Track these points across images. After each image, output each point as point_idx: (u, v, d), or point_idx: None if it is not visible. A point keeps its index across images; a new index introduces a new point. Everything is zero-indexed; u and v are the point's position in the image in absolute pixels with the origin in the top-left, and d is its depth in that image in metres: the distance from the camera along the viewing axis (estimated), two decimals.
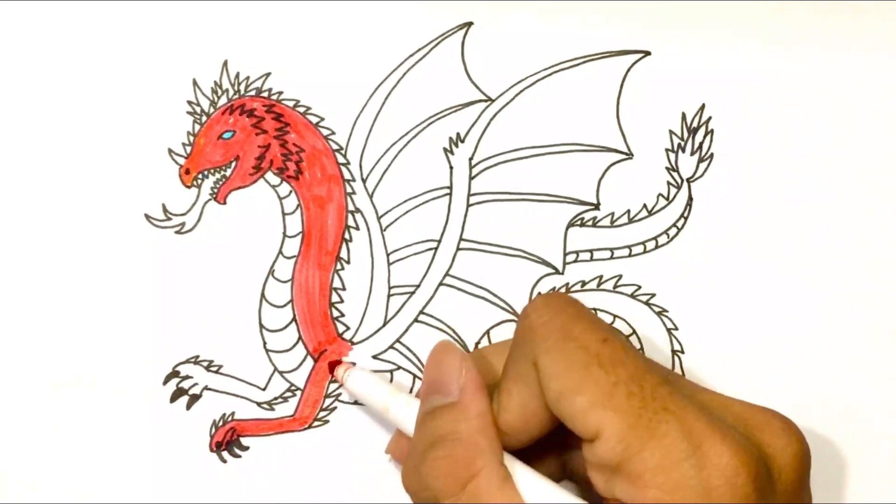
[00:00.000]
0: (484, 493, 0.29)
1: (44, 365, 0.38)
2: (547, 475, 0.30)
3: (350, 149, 0.39)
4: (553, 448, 0.33)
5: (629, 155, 0.39)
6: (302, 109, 0.39)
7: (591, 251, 0.39)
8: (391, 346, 0.39)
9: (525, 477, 0.30)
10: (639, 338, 0.39)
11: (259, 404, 0.38)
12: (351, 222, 0.39)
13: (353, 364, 0.38)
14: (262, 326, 0.38)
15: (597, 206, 0.39)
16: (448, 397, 0.31)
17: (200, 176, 0.38)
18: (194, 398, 0.38)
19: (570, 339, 0.29)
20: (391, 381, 0.38)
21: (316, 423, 0.38)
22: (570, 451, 0.33)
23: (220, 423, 0.38)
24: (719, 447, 0.27)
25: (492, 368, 0.34)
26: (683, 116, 0.39)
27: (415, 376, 0.38)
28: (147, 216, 0.38)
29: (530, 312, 0.30)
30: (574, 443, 0.30)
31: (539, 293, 0.31)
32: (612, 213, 0.39)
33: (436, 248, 0.39)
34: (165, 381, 0.38)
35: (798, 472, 0.29)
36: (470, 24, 0.39)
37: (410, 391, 0.38)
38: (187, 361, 0.38)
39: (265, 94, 0.39)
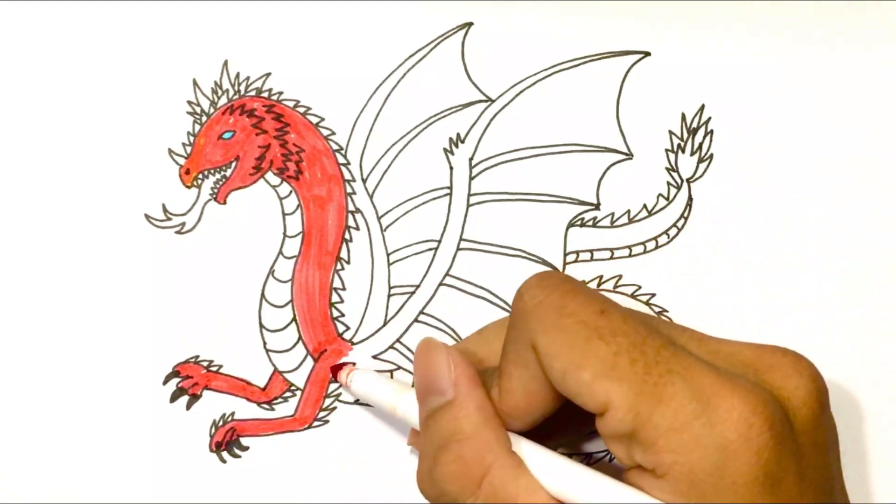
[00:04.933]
0: (499, 486, 0.29)
1: (44, 365, 0.38)
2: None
3: (350, 149, 0.39)
4: (561, 426, 0.32)
5: (629, 155, 0.39)
6: (302, 109, 0.39)
7: (591, 251, 0.39)
8: (391, 346, 0.39)
9: (537, 457, 0.29)
10: None
11: (259, 404, 0.38)
12: (351, 222, 0.39)
13: (354, 364, 0.38)
14: (262, 326, 0.38)
15: (597, 206, 0.39)
16: (444, 396, 0.31)
17: (200, 176, 0.38)
18: (194, 398, 0.38)
19: (566, 315, 0.28)
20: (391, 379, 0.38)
21: (316, 423, 0.38)
22: (583, 427, 0.33)
23: (220, 423, 0.38)
24: (729, 401, 0.26)
25: (478, 356, 0.33)
26: (683, 117, 0.39)
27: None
28: (147, 216, 0.38)
29: (524, 293, 0.30)
30: (586, 419, 0.29)
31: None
32: (612, 214, 0.39)
33: (436, 248, 0.39)
34: (165, 381, 0.38)
35: (814, 410, 0.28)
36: (470, 24, 0.39)
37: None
38: (187, 361, 0.38)
39: (265, 94, 0.39)
